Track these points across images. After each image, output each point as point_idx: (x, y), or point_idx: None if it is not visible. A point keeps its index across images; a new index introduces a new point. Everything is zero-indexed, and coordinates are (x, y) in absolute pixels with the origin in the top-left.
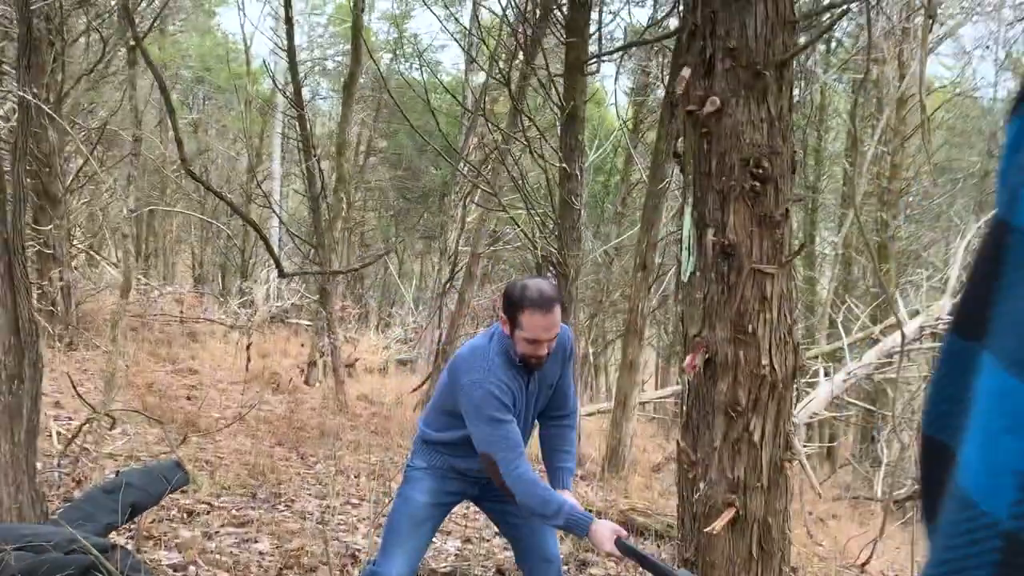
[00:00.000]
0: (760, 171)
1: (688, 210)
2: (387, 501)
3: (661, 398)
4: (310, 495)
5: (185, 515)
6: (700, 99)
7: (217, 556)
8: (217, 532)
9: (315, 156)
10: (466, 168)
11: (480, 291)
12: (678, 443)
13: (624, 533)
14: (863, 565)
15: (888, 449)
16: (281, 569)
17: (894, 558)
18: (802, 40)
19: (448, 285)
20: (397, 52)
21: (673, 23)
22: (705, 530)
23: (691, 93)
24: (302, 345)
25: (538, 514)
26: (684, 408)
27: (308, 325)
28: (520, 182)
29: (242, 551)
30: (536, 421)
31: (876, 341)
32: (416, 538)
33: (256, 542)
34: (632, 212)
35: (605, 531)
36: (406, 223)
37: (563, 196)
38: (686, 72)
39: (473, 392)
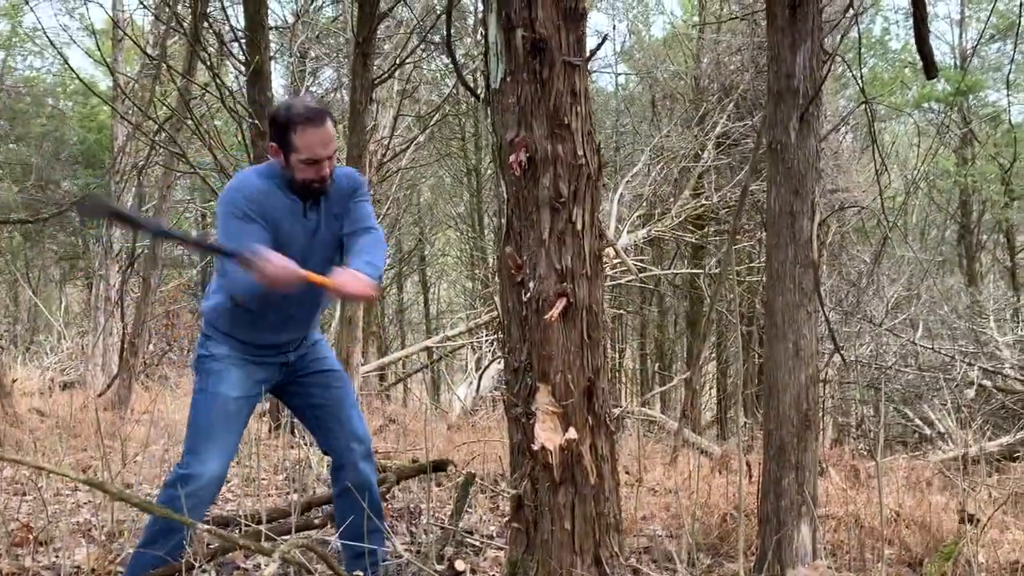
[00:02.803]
0: None
1: (492, 16)
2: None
3: (375, 370)
4: (10, 494)
5: None
6: None
7: None
8: None
9: None
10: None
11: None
12: (502, 252)
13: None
14: None
15: None
16: (10, 547)
17: None
18: None
19: (128, 274)
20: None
21: None
22: (544, 318)
23: None
24: None
25: (243, 280)
26: (506, 220)
27: None
28: (208, 137)
29: None
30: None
31: None
32: (229, 434)
33: None
34: None
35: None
36: (39, 246)
37: (259, 155)
38: None
39: (221, 201)
